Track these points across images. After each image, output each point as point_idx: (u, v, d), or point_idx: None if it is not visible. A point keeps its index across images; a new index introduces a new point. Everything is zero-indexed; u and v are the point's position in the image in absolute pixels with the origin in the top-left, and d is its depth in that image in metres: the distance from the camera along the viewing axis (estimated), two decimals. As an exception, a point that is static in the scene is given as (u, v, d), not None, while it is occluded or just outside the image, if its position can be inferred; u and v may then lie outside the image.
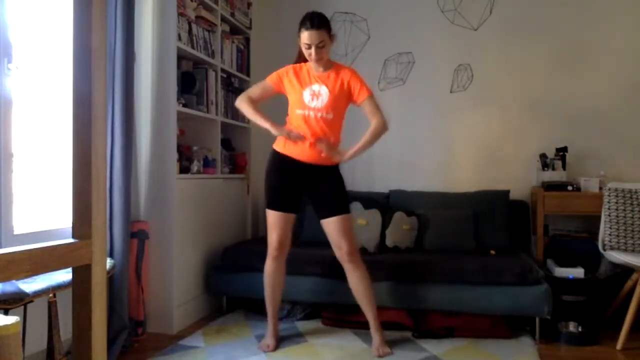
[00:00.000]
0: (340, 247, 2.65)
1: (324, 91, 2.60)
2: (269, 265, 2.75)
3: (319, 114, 2.59)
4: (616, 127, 3.66)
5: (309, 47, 2.54)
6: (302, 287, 3.06)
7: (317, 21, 2.52)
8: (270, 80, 2.71)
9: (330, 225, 2.66)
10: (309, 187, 2.70)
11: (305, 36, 2.53)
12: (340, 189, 2.70)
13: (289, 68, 2.70)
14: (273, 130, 2.59)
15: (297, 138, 2.58)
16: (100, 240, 0.93)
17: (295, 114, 2.64)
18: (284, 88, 2.69)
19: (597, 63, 3.70)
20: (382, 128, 2.60)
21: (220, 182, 3.52)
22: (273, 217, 2.69)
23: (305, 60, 2.68)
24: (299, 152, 2.62)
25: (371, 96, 2.62)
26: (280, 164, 2.68)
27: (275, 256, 2.72)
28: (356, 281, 2.67)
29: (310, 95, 2.61)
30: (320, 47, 2.54)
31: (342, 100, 2.62)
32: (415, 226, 3.42)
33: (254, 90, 2.74)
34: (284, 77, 2.68)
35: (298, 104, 2.63)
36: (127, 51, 2.63)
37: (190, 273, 3.18)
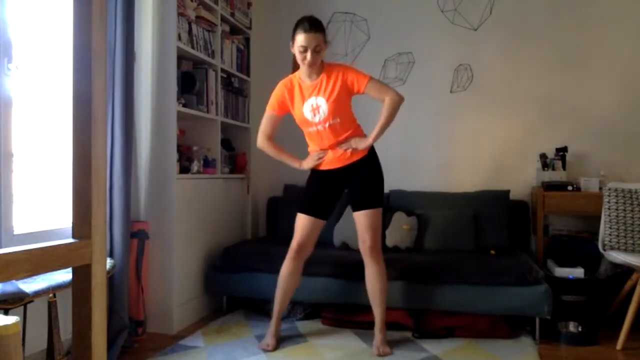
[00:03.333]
0: (364, 241, 2.67)
1: (321, 102, 2.59)
2: (285, 266, 2.76)
3: (326, 124, 2.62)
4: (616, 127, 3.66)
5: (305, 51, 2.50)
6: (303, 287, 3.05)
7: (315, 24, 2.51)
8: (272, 110, 2.74)
9: (358, 219, 2.68)
10: (348, 183, 2.73)
11: (302, 39, 2.49)
12: (373, 182, 2.70)
13: (282, 88, 2.69)
14: (301, 168, 2.76)
15: (322, 158, 2.68)
16: (100, 240, 0.93)
17: (306, 132, 2.72)
18: (287, 109, 2.71)
19: (597, 63, 3.70)
20: (398, 100, 2.57)
21: (220, 182, 3.52)
22: (299, 220, 2.74)
23: (298, 68, 2.66)
24: (330, 163, 2.70)
25: (371, 79, 2.58)
26: (317, 174, 2.76)
27: (292, 257, 2.75)
28: (373, 278, 2.69)
29: (310, 112, 2.62)
30: (316, 52, 2.51)
31: (342, 100, 2.61)
32: (415, 226, 3.42)
33: (266, 127, 2.77)
34: (282, 100, 2.69)
35: (303, 123, 2.68)
36: (127, 51, 2.63)
37: (190, 273, 3.18)
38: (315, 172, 2.78)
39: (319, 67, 2.62)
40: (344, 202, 3.11)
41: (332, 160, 2.69)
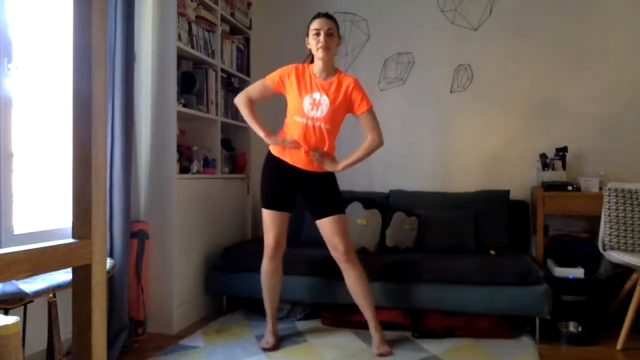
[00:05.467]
0: (335, 248, 2.66)
1: (324, 101, 2.59)
2: (266, 265, 2.76)
3: (317, 124, 2.60)
4: (616, 127, 3.66)
5: (318, 34, 2.56)
6: (303, 287, 3.06)
7: (328, 14, 2.65)
8: (270, 82, 2.70)
9: (325, 226, 2.66)
10: (303, 186, 2.72)
11: (316, 23, 2.59)
12: (334, 190, 2.72)
13: (291, 69, 2.67)
14: (267, 140, 2.69)
15: (292, 145, 2.62)
16: (100, 240, 0.93)
17: (293, 120, 2.64)
18: (284, 89, 2.68)
19: (597, 63, 3.70)
20: (378, 144, 2.64)
21: (220, 182, 3.52)
22: (268, 217, 2.71)
23: (312, 62, 2.68)
24: (294, 159, 2.66)
25: (370, 110, 2.62)
26: (275, 165, 2.71)
27: (271, 256, 2.73)
28: (353, 281, 2.68)
29: (310, 104, 2.61)
30: (329, 35, 2.57)
31: (341, 111, 2.62)
32: (415, 226, 3.42)
33: (254, 90, 2.74)
34: (285, 79, 2.66)
35: (297, 111, 2.63)
36: (127, 51, 2.63)
37: (190, 273, 3.18)
38: (274, 164, 2.70)
39: (332, 68, 2.64)
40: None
41: (299, 159, 2.64)
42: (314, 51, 2.61)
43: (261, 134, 2.70)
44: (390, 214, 3.43)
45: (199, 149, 3.33)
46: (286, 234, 2.77)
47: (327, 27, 2.58)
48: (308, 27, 2.63)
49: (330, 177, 2.73)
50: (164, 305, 2.97)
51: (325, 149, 2.65)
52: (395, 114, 3.94)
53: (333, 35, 2.60)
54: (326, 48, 2.56)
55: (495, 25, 3.85)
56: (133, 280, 2.82)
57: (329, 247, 2.69)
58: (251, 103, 2.73)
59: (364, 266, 2.72)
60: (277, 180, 2.71)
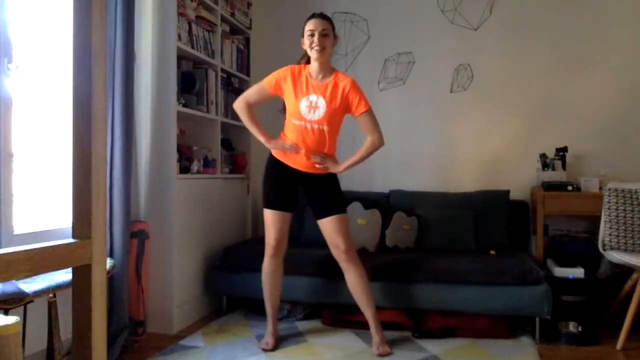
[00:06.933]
0: (337, 247, 2.66)
1: (321, 104, 2.58)
2: (266, 265, 2.77)
3: (315, 126, 2.60)
4: (616, 127, 3.66)
5: (313, 35, 2.55)
6: (303, 287, 3.06)
7: (323, 14, 2.62)
8: (267, 85, 2.69)
9: (326, 225, 2.67)
10: (305, 186, 2.74)
11: (311, 23, 2.57)
12: (335, 190, 2.73)
13: (287, 71, 2.66)
14: (268, 145, 2.71)
15: (292, 149, 2.63)
16: (100, 240, 0.93)
17: (291, 123, 2.65)
18: (281, 92, 2.68)
19: (597, 63, 3.70)
20: (378, 145, 2.65)
21: (220, 182, 3.52)
22: (270, 216, 2.72)
23: (307, 63, 2.67)
24: (296, 162, 2.67)
25: (369, 111, 2.61)
26: (277, 166, 2.72)
27: (272, 255, 2.74)
28: (353, 280, 2.68)
29: (307, 107, 2.60)
30: (323, 35, 2.55)
31: (339, 112, 2.61)
32: (415, 226, 3.42)
33: (252, 94, 2.73)
34: (282, 82, 2.65)
35: (295, 114, 2.63)
36: (127, 51, 2.63)
37: (190, 273, 3.18)
38: (276, 165, 2.71)
39: (328, 68, 2.63)
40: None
41: (300, 162, 2.66)
42: (308, 51, 2.60)
43: (261, 139, 2.71)
44: (390, 214, 3.43)
45: (199, 149, 3.33)
46: (287, 234, 2.78)
47: (322, 27, 2.56)
48: (303, 28, 2.62)
49: (332, 177, 2.74)
50: (164, 305, 2.97)
51: (326, 150, 2.65)
52: (395, 113, 3.94)
53: (328, 36, 2.58)
54: (321, 49, 2.55)
55: (495, 25, 3.85)
56: (133, 280, 2.82)
57: (330, 246, 2.69)
58: (250, 107, 2.73)
59: (364, 266, 2.72)
60: (278, 180, 2.73)
